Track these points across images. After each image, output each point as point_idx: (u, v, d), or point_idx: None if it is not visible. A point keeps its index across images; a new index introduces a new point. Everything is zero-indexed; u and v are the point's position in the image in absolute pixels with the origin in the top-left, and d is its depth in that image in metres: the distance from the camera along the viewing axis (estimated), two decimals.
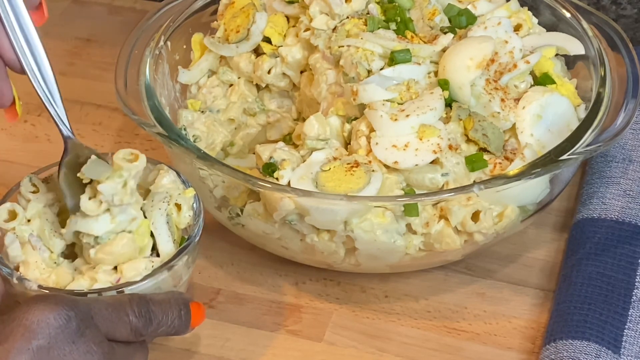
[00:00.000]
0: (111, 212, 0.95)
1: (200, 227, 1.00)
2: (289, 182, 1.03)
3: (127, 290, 0.95)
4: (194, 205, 1.01)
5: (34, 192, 1.01)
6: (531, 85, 1.11)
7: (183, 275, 1.00)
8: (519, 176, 1.01)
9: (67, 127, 0.96)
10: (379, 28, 1.10)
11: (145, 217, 0.99)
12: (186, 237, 1.00)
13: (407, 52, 1.07)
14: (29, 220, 1.00)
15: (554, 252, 1.13)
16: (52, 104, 0.94)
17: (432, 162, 1.03)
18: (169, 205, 0.99)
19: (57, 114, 0.95)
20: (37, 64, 0.91)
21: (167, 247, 0.98)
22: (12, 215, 1.00)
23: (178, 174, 1.02)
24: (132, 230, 0.97)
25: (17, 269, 0.97)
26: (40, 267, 0.97)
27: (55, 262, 0.99)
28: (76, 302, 0.89)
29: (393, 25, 1.11)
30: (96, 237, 0.96)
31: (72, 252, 1.01)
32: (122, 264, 0.97)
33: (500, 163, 1.05)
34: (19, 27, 0.85)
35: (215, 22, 1.19)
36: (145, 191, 1.01)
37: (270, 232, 1.06)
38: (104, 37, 1.41)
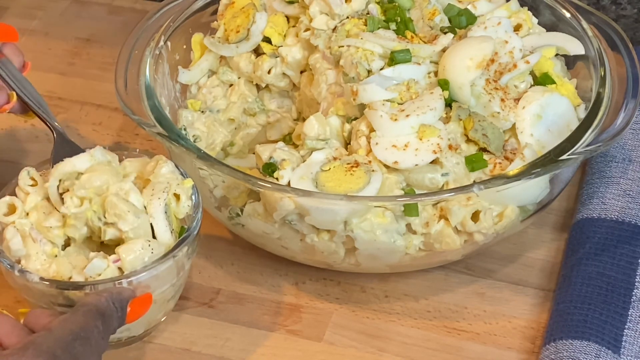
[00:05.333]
0: None
1: (199, 219, 1.01)
2: (289, 182, 1.03)
3: (127, 281, 0.96)
4: (193, 196, 1.02)
5: (32, 186, 1.01)
6: (531, 85, 1.11)
7: (185, 264, 1.00)
8: (519, 176, 1.01)
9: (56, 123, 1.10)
10: (379, 28, 1.10)
11: (145, 207, 1.00)
12: (185, 227, 1.00)
13: (407, 52, 1.07)
14: (27, 214, 1.00)
15: (554, 252, 1.13)
16: (41, 111, 1.10)
17: (432, 162, 1.03)
18: (168, 195, 1.00)
19: (46, 115, 1.10)
20: (26, 91, 1.11)
21: (165, 237, 0.99)
22: (12, 209, 1.00)
23: (176, 165, 1.03)
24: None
25: (18, 261, 0.98)
26: (40, 258, 0.98)
27: (56, 256, 0.99)
28: (53, 349, 0.87)
29: (393, 25, 1.11)
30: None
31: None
32: (119, 247, 0.98)
33: (500, 163, 1.05)
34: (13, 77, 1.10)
35: (215, 22, 1.19)
36: (144, 181, 1.02)
37: (270, 232, 1.06)
38: (104, 37, 1.41)
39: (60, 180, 1.00)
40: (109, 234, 0.99)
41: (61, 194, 1.00)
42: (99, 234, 1.00)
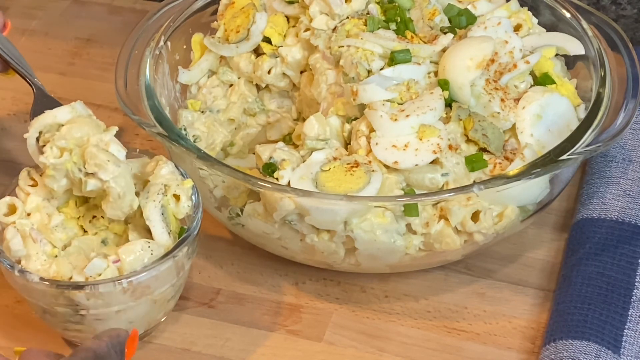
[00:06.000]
0: None
1: (199, 219, 1.01)
2: (289, 182, 1.03)
3: (127, 281, 0.96)
4: (193, 196, 1.02)
5: (32, 186, 1.01)
6: (531, 85, 1.11)
7: (185, 264, 1.00)
8: (519, 176, 1.01)
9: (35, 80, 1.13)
10: (379, 28, 1.10)
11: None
12: (185, 227, 1.00)
13: (407, 52, 1.07)
14: (28, 214, 1.00)
15: (554, 252, 1.13)
16: (21, 67, 1.13)
17: (432, 162, 1.03)
18: (164, 196, 1.00)
19: (26, 72, 1.13)
20: (6, 49, 1.13)
21: (162, 238, 0.99)
22: (12, 209, 1.00)
23: (176, 165, 1.03)
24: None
25: (18, 262, 0.98)
26: (41, 258, 0.98)
27: (56, 256, 0.99)
28: None
29: (393, 25, 1.11)
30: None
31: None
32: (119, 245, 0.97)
33: (500, 163, 1.05)
34: None
35: (215, 22, 1.19)
36: (143, 182, 1.02)
37: (270, 232, 1.06)
38: (104, 37, 1.41)
39: (40, 133, 1.00)
40: (90, 185, 0.98)
41: (41, 147, 0.99)
42: (79, 186, 0.99)
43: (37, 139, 1.00)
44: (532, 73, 1.11)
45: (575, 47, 1.15)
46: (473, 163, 1.04)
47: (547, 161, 1.02)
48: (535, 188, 1.06)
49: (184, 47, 1.20)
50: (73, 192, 1.01)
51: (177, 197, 1.01)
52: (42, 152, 0.98)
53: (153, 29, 1.18)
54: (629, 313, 1.03)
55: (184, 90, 1.20)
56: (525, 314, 1.07)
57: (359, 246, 1.03)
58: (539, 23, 1.17)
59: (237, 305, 1.09)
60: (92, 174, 0.97)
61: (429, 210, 1.04)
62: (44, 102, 1.06)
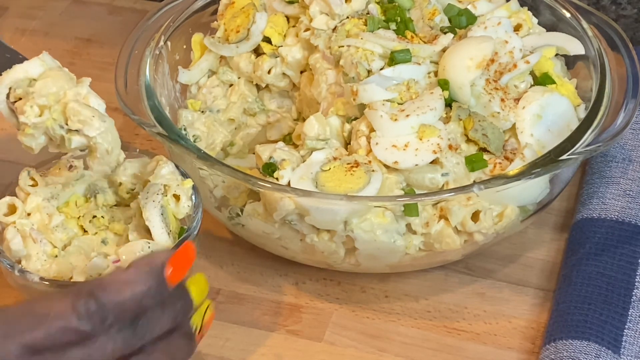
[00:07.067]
0: None
1: (200, 219, 1.00)
2: (289, 182, 1.03)
3: None
4: (193, 196, 1.01)
5: (32, 186, 1.01)
6: (531, 85, 1.11)
7: None
8: (519, 176, 1.01)
9: None
10: (379, 28, 1.10)
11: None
12: (185, 227, 1.00)
13: (407, 52, 1.07)
14: (28, 214, 1.00)
15: (554, 252, 1.13)
16: None
17: (432, 162, 1.03)
18: (164, 197, 1.00)
19: None
20: None
21: (162, 238, 0.99)
22: (12, 209, 1.00)
23: (176, 165, 1.03)
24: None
25: (18, 262, 0.98)
26: (41, 258, 0.98)
27: (56, 256, 0.99)
28: None
29: (393, 25, 1.11)
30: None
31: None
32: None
33: (500, 163, 1.05)
34: None
35: (215, 22, 1.19)
36: (143, 182, 1.02)
37: (270, 232, 1.06)
38: (104, 37, 1.41)
39: (10, 89, 0.96)
40: (75, 142, 0.95)
41: (12, 103, 0.96)
42: (58, 143, 0.97)
43: (7, 95, 0.96)
44: (532, 73, 1.11)
45: (575, 47, 1.15)
46: (473, 163, 1.04)
47: (547, 161, 1.02)
48: (535, 188, 1.06)
49: (184, 47, 1.20)
50: (49, 149, 0.97)
51: (177, 197, 1.01)
52: (12, 109, 0.96)
53: (153, 29, 1.18)
54: (629, 313, 1.03)
55: (184, 90, 1.20)
56: (525, 314, 1.07)
57: (359, 246, 1.03)
58: (539, 23, 1.17)
59: (237, 305, 1.09)
60: (75, 130, 0.94)
61: (429, 210, 1.04)
62: (4, 54, 1.03)
